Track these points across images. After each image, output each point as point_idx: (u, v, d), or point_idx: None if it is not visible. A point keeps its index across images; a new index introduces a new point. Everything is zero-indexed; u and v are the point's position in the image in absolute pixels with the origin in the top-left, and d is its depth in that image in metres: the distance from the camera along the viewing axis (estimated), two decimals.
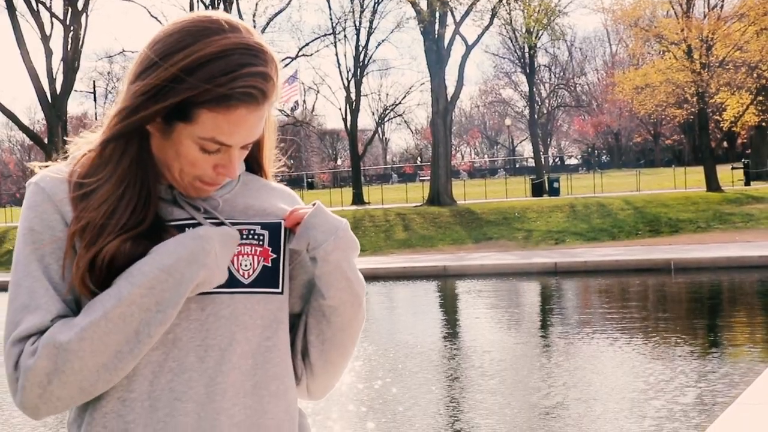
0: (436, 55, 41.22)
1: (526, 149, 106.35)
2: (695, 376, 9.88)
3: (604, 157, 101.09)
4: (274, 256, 1.78)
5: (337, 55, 55.09)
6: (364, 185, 60.92)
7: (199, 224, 1.73)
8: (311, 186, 76.36)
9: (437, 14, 41.06)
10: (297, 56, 52.87)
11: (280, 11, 52.78)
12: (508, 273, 22.14)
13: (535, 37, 53.60)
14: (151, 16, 77.85)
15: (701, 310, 16.04)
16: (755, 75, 38.20)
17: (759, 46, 36.68)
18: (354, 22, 54.60)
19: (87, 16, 46.96)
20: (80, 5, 46.14)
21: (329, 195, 52.47)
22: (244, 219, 1.78)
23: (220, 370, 1.69)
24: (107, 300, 1.59)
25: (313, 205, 1.79)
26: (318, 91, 65.80)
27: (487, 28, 42.95)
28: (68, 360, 1.56)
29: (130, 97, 1.68)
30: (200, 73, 1.60)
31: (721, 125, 42.26)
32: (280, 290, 1.78)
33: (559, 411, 8.80)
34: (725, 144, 76.13)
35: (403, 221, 34.94)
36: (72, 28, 45.94)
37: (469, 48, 42.70)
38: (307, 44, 55.08)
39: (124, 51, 53.48)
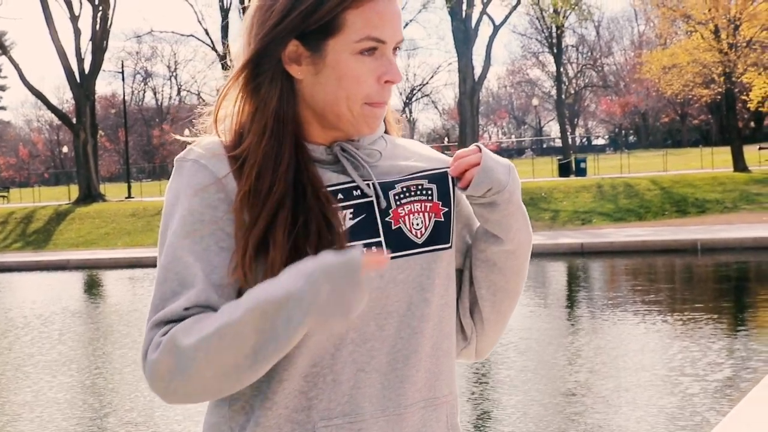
0: (464, 35, 41.15)
1: (553, 129, 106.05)
2: (723, 355, 9.95)
3: (631, 138, 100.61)
4: (446, 209, 1.69)
5: None
6: None
7: (357, 187, 1.64)
8: None
9: None
10: None
11: None
12: (535, 253, 21.86)
13: (563, 17, 53.38)
14: None
15: (728, 291, 16.06)
16: None
17: None
18: None
19: None
20: None
21: None
22: (406, 175, 1.69)
23: (400, 336, 1.63)
24: (224, 315, 1.48)
25: (477, 147, 1.69)
26: None
27: (514, 7, 42.90)
28: (186, 365, 1.48)
29: (259, 31, 1.62)
30: None
31: (748, 105, 41.98)
32: (450, 244, 1.70)
33: (586, 388, 8.91)
34: (752, 124, 75.59)
35: None
36: (101, 8, 46.20)
37: (496, 28, 42.65)
38: None
39: (152, 31, 53.85)
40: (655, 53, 42.12)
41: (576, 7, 45.72)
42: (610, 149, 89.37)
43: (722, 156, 42.89)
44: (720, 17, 36.75)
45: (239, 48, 1.66)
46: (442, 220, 1.68)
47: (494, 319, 1.77)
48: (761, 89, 38.91)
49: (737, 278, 17.56)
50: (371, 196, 1.64)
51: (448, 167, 1.70)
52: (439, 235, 1.68)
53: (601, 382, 9.13)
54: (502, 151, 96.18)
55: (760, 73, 38.30)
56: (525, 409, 8.30)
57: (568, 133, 71.83)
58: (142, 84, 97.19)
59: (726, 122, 43.09)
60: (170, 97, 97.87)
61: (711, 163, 43.07)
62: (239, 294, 1.55)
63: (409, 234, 1.65)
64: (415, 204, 1.66)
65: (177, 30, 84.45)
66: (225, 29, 48.49)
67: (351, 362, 1.60)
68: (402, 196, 1.67)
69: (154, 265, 1.71)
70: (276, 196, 1.56)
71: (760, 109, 42.02)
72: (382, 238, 1.62)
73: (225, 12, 48.94)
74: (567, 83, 76.24)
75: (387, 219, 1.64)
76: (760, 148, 47.77)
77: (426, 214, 1.67)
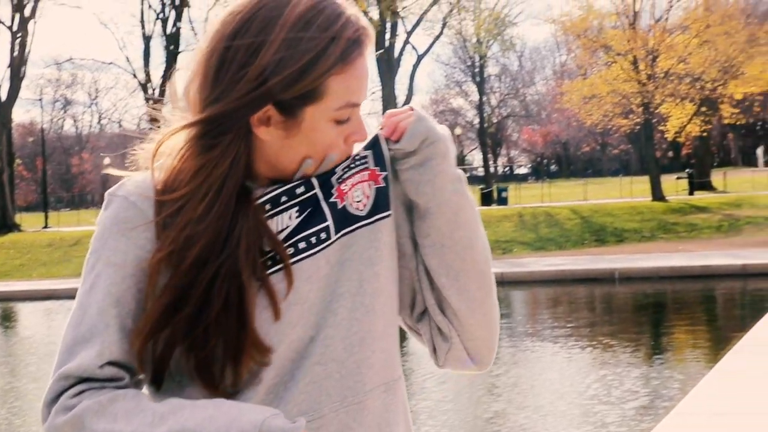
0: (387, 65, 41.39)
1: (475, 159, 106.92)
2: (639, 383, 10.06)
3: (552, 167, 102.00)
4: (384, 173, 1.59)
5: None
6: None
7: (300, 184, 1.54)
8: None
9: (388, 23, 41.23)
10: None
11: None
12: None
13: (486, 47, 54.01)
14: (100, 22, 77.31)
15: (644, 319, 16.29)
16: (698, 86, 38.84)
17: (701, 59, 37.34)
18: None
19: (35, 22, 46.58)
20: (27, 12, 45.77)
21: None
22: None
23: (355, 318, 1.53)
24: (143, 419, 1.43)
25: (410, 107, 1.61)
26: None
27: (437, 37, 43.40)
28: None
29: (228, 90, 1.47)
30: (312, 30, 1.47)
31: (666, 136, 42.85)
32: (390, 211, 1.59)
33: (504, 417, 8.92)
34: (671, 154, 77.16)
35: None
36: (19, 34, 45.54)
37: (419, 57, 43.01)
38: None
39: (72, 58, 53.18)
40: (576, 83, 42.86)
41: (498, 37, 46.32)
42: (531, 178, 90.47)
43: (641, 185, 43.68)
44: (639, 48, 37.59)
45: (205, 94, 1.49)
46: (383, 185, 1.59)
47: (466, 308, 1.59)
48: (678, 120, 39.82)
49: (654, 306, 17.83)
50: (315, 189, 1.55)
51: (380, 129, 1.62)
52: (382, 202, 1.58)
53: (518, 411, 9.15)
54: None
55: (677, 104, 39.19)
56: None
57: (491, 162, 72.61)
58: (62, 112, 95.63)
59: (644, 152, 43.89)
60: (90, 125, 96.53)
61: (630, 192, 43.85)
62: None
63: (351, 209, 1.55)
64: (356, 176, 1.57)
65: (98, 57, 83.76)
66: (147, 57, 48.11)
67: (306, 357, 1.50)
68: (343, 174, 1.58)
69: (70, 297, 1.63)
70: (200, 262, 1.45)
71: (677, 139, 42.96)
72: (330, 221, 1.53)
73: (147, 39, 48.56)
74: (489, 112, 77.12)
75: (332, 200, 1.55)
76: (677, 178, 48.78)
77: (366, 183, 1.57)
